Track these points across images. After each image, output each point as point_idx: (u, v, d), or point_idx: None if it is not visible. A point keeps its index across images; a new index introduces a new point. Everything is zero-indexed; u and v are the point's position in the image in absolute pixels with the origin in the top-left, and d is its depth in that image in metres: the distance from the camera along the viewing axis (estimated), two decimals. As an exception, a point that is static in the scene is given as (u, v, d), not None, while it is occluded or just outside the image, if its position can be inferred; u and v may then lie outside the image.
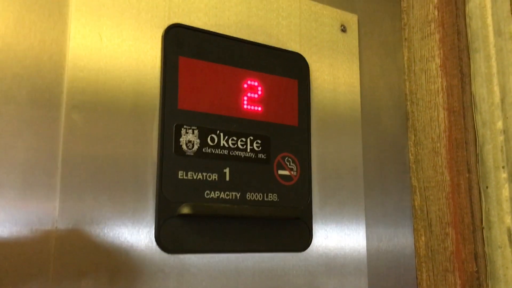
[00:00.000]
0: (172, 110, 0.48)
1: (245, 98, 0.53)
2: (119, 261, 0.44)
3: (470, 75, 0.62)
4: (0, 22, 0.42)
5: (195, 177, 0.48)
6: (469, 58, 0.63)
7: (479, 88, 0.61)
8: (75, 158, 0.43)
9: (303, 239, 0.55)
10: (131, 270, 0.44)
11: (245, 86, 0.53)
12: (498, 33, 0.60)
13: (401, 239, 0.64)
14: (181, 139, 0.48)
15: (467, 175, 0.60)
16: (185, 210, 0.47)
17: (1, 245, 0.39)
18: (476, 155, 0.60)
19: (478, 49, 0.62)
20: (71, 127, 0.44)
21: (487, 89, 0.60)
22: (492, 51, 0.61)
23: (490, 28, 0.61)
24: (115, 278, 0.43)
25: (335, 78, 0.61)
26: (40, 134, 0.42)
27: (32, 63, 0.43)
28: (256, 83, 0.54)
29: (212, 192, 0.49)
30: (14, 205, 0.40)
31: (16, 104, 0.42)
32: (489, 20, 0.61)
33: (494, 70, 0.60)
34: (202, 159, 0.49)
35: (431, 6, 0.66)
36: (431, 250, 0.62)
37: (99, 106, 0.45)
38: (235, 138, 0.52)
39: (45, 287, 0.40)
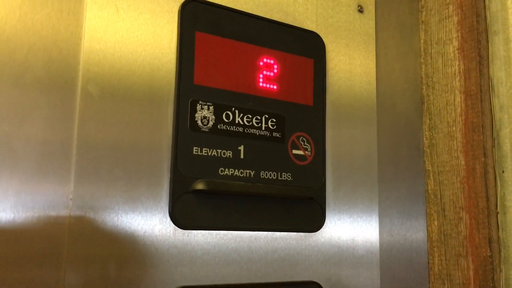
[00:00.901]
0: (188, 85, 0.48)
1: (261, 76, 0.52)
2: (132, 235, 0.44)
3: (488, 58, 0.61)
4: (18, -10, 0.42)
5: (209, 154, 0.48)
6: (487, 41, 0.62)
7: (497, 71, 0.60)
8: (91, 130, 0.43)
9: (316, 220, 0.54)
10: (145, 245, 0.44)
11: (261, 63, 0.53)
12: (518, 15, 0.59)
13: (413, 223, 0.63)
14: (196, 115, 0.48)
15: (483, 159, 0.59)
16: (200, 186, 0.46)
17: (15, 228, 0.39)
18: (493, 139, 0.60)
19: (497, 31, 0.61)
20: (87, 99, 0.43)
21: (506, 72, 0.59)
22: (512, 34, 0.59)
23: (510, 11, 0.60)
24: (128, 252, 0.43)
25: (351, 59, 0.61)
26: (57, 105, 0.42)
27: (49, 33, 0.42)
28: (272, 61, 0.53)
29: (227, 169, 0.49)
30: (30, 176, 0.40)
31: (33, 74, 0.41)
32: (509, 2, 0.60)
33: (513, 53, 0.59)
34: (217, 135, 0.49)
35: (449, -12, 0.65)
36: (443, 234, 0.62)
37: (115, 79, 0.45)
38: (250, 116, 0.51)
39: (60, 258, 0.40)
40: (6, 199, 0.39)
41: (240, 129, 0.50)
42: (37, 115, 0.41)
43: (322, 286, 0.53)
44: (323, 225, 0.54)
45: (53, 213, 0.41)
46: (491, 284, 0.57)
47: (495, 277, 0.57)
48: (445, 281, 0.61)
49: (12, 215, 0.39)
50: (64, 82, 0.43)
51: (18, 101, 0.41)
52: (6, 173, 0.39)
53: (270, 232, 0.51)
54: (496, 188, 0.59)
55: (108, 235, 0.42)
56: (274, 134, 0.52)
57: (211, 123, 0.49)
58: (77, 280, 0.41)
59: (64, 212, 0.41)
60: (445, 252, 0.61)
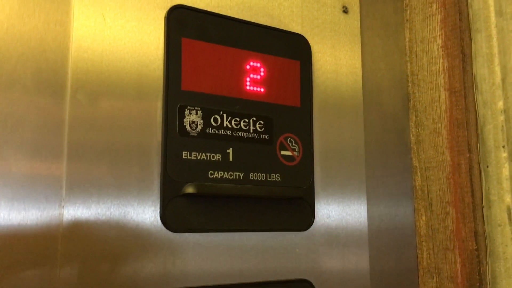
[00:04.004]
0: (176, 91, 0.49)
1: (248, 79, 0.53)
2: (125, 240, 0.45)
3: (471, 55, 0.62)
4: (5, 3, 0.42)
5: (199, 157, 0.49)
6: (470, 39, 0.63)
7: (480, 69, 0.61)
8: (81, 137, 0.44)
9: (305, 219, 0.55)
10: (137, 249, 0.45)
11: (248, 67, 0.54)
12: (499, 13, 0.60)
13: (402, 218, 0.65)
14: (184, 120, 0.49)
15: (468, 155, 0.60)
16: (190, 189, 0.47)
17: (9, 235, 0.40)
18: (477, 135, 0.61)
19: (479, 29, 0.62)
20: (76, 107, 0.44)
21: (488, 69, 0.61)
22: (494, 31, 0.61)
23: (492, 9, 0.61)
24: (121, 256, 0.44)
25: (337, 59, 0.62)
26: (46, 114, 0.43)
27: (37, 44, 0.43)
28: (258, 64, 0.54)
29: (216, 172, 0.50)
30: (22, 185, 0.41)
31: (22, 85, 0.42)
32: (491, 0, 0.61)
33: (495, 50, 0.60)
34: (206, 139, 0.50)
35: (432, -13, 0.66)
36: (431, 229, 0.63)
37: (104, 87, 0.46)
38: (238, 119, 0.52)
39: (53, 265, 0.41)
40: (-1, 208, 0.40)
41: (229, 132, 0.51)
42: (27, 124, 0.42)
43: (313, 283, 0.54)
44: (312, 223, 0.56)
45: (45, 220, 0.41)
46: (478, 277, 0.58)
47: (481, 269, 0.59)
48: (434, 275, 0.62)
49: (6, 223, 0.40)
50: (53, 91, 0.44)
51: (8, 111, 0.41)
52: (-2, 182, 0.40)
53: (260, 232, 0.52)
54: (481, 183, 0.60)
55: (100, 241, 0.43)
56: (262, 136, 0.53)
57: (199, 127, 0.50)
58: (71, 284, 0.42)
59: (56, 219, 0.42)
60: (433, 246, 0.63)
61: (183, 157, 0.48)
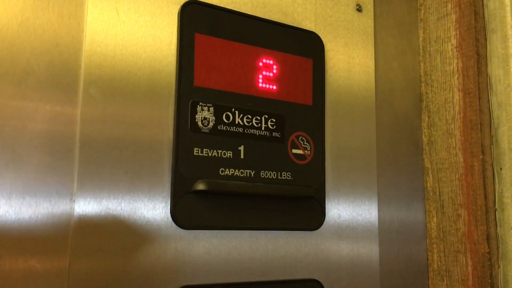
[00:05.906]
0: (188, 87, 0.48)
1: (260, 76, 0.53)
2: (135, 236, 0.44)
3: (486, 56, 0.62)
4: (19, -4, 0.42)
5: (210, 154, 0.49)
6: (485, 39, 0.62)
7: (495, 70, 0.61)
8: (93, 132, 0.44)
9: (316, 218, 0.55)
10: (147, 245, 0.45)
11: (260, 64, 0.53)
12: (516, 13, 0.60)
13: (412, 220, 0.64)
14: (196, 116, 0.48)
15: (481, 157, 0.59)
16: (201, 186, 0.47)
17: (20, 228, 0.40)
18: (491, 136, 0.60)
19: (495, 29, 0.61)
20: (89, 102, 0.44)
21: (504, 70, 0.60)
22: (509, 32, 0.60)
23: (508, 9, 0.60)
24: (131, 252, 0.44)
25: (350, 58, 0.61)
26: (59, 108, 0.43)
27: (50, 38, 0.43)
28: (271, 62, 0.54)
29: (227, 170, 0.49)
30: (33, 179, 0.41)
31: (35, 78, 0.42)
32: (507, 0, 0.61)
33: (511, 51, 0.59)
34: (217, 136, 0.49)
35: (447, -14, 0.65)
36: (442, 231, 0.63)
37: (116, 82, 0.45)
38: (250, 116, 0.52)
39: (64, 259, 0.41)
40: (10, 200, 0.40)
41: (240, 130, 0.51)
42: (40, 117, 0.42)
43: (323, 283, 0.54)
44: (323, 223, 0.55)
45: (56, 214, 0.41)
46: (489, 280, 0.57)
47: (493, 273, 0.58)
48: (444, 277, 0.62)
49: (17, 216, 0.40)
50: (66, 85, 0.43)
51: (20, 104, 0.41)
52: (10, 175, 0.40)
53: (270, 231, 0.52)
54: (494, 185, 0.59)
55: (110, 236, 0.43)
56: (274, 134, 0.53)
57: (211, 124, 0.49)
58: (81, 278, 0.41)
59: (67, 213, 0.42)
60: (444, 249, 0.62)
61: (195, 153, 0.48)
